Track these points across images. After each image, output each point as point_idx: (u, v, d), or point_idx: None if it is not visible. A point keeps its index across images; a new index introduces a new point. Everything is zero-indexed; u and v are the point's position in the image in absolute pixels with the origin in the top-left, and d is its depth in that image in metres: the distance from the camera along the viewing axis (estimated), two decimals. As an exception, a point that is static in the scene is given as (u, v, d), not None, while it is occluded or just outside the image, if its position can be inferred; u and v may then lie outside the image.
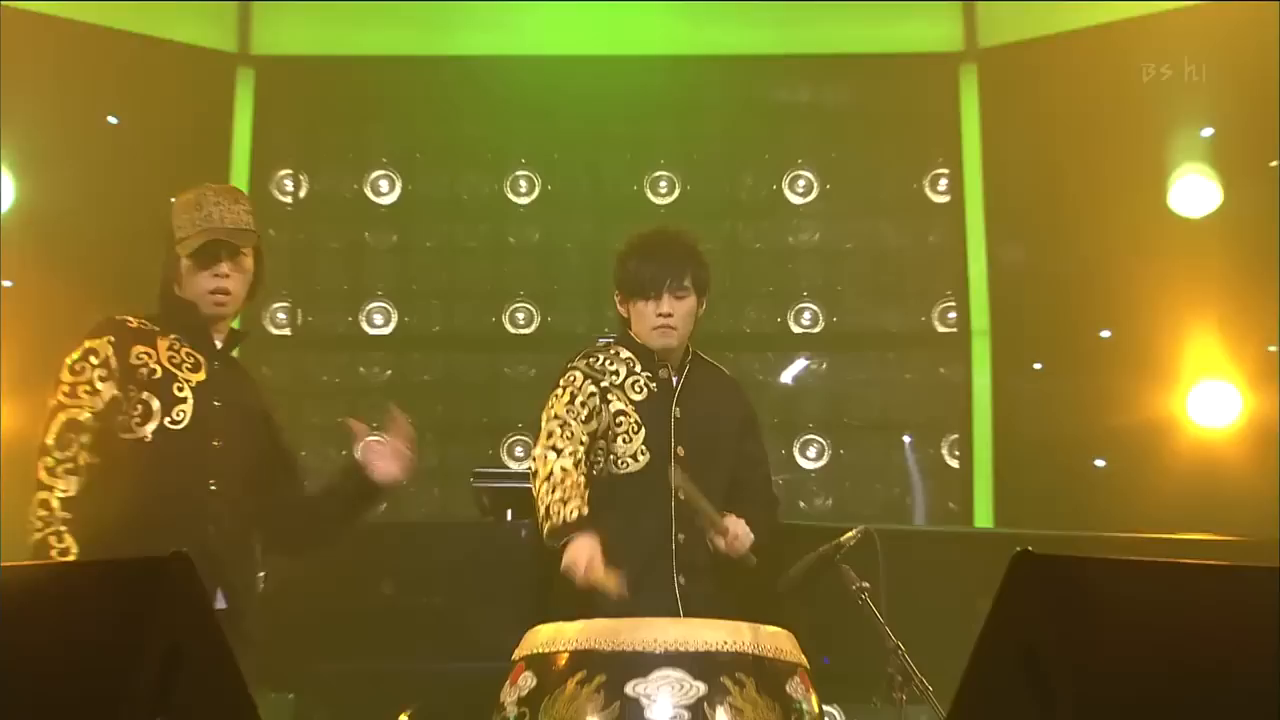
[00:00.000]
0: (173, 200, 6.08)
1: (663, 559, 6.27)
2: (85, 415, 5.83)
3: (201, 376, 5.98)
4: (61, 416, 5.78)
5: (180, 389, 5.93)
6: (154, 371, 5.95)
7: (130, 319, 6.01)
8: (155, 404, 5.92)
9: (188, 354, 5.98)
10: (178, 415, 5.90)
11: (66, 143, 9.92)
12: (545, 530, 6.07)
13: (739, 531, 6.20)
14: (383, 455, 6.10)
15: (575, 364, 6.46)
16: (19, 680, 3.08)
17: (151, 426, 5.86)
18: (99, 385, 5.83)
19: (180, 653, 3.13)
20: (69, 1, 10.18)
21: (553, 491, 6.05)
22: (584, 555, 5.85)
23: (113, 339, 5.90)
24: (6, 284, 9.66)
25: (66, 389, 5.81)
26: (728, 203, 10.43)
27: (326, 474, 6.52)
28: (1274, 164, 9.68)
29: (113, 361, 5.85)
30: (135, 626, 3.17)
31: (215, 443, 6.00)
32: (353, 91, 10.61)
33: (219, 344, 6.11)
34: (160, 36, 10.31)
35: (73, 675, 3.12)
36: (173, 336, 5.99)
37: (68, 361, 5.81)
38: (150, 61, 10.18)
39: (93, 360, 5.87)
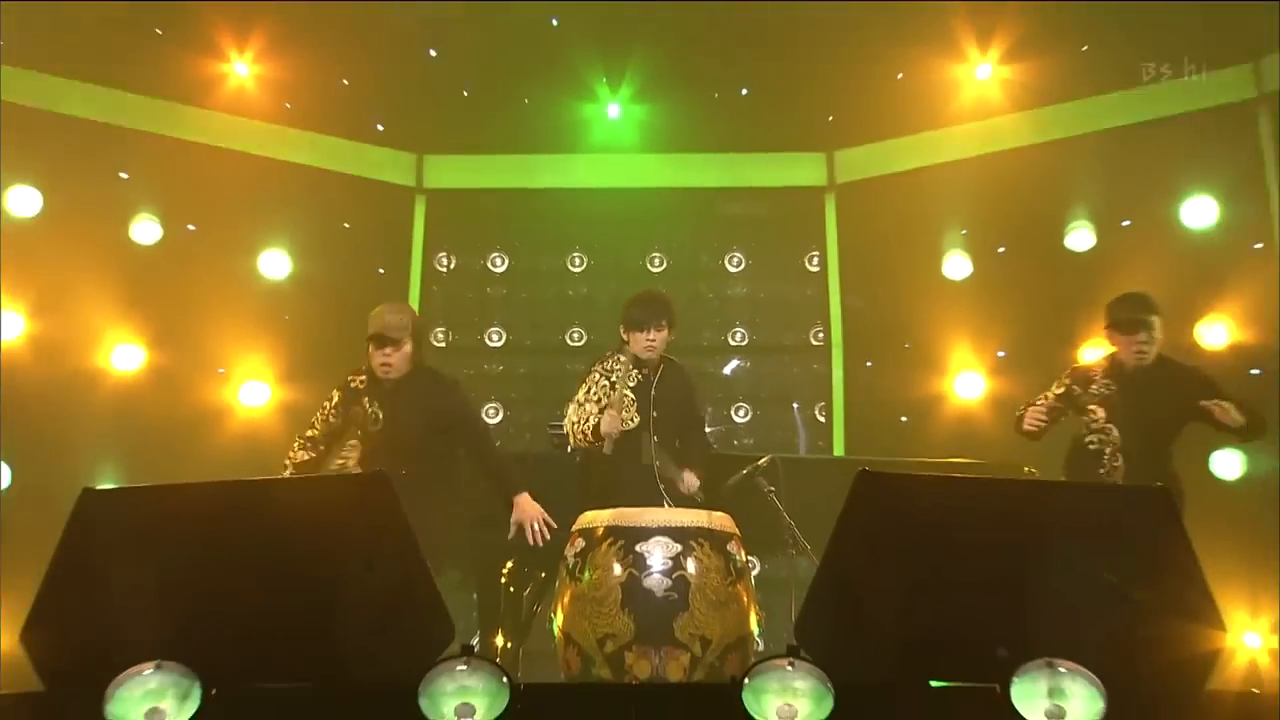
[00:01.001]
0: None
1: (649, 475, 6.95)
2: (318, 428, 6.86)
3: (378, 424, 6.80)
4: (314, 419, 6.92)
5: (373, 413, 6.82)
6: (361, 405, 6.84)
7: (352, 377, 6.95)
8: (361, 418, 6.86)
9: (368, 402, 6.83)
10: (372, 427, 6.80)
11: (315, 238, 10.40)
12: (571, 442, 7.08)
13: (690, 481, 7.01)
14: (526, 524, 6.77)
15: (595, 367, 7.15)
16: (266, 562, 3.86)
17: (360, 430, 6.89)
18: (330, 411, 6.88)
19: (375, 537, 4.01)
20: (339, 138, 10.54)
21: (575, 424, 6.96)
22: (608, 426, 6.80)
23: (340, 388, 6.94)
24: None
25: (318, 411, 6.93)
26: (693, 270, 10.89)
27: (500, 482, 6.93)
28: (1002, 250, 10.32)
29: (336, 397, 6.88)
30: (345, 519, 3.97)
31: (387, 454, 6.57)
32: (481, 207, 11.00)
33: (389, 388, 6.84)
34: (375, 178, 10.65)
35: (303, 558, 3.91)
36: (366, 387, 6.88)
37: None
38: (367, 190, 10.64)
39: (329, 400, 6.92)
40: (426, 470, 6.67)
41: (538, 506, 6.82)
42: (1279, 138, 9.35)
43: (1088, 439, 6.90)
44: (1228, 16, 9.06)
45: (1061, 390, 7.07)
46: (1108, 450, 6.81)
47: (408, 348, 6.86)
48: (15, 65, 9.32)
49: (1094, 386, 6.97)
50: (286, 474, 6.79)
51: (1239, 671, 8.11)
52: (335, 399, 6.92)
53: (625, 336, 7.14)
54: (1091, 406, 6.92)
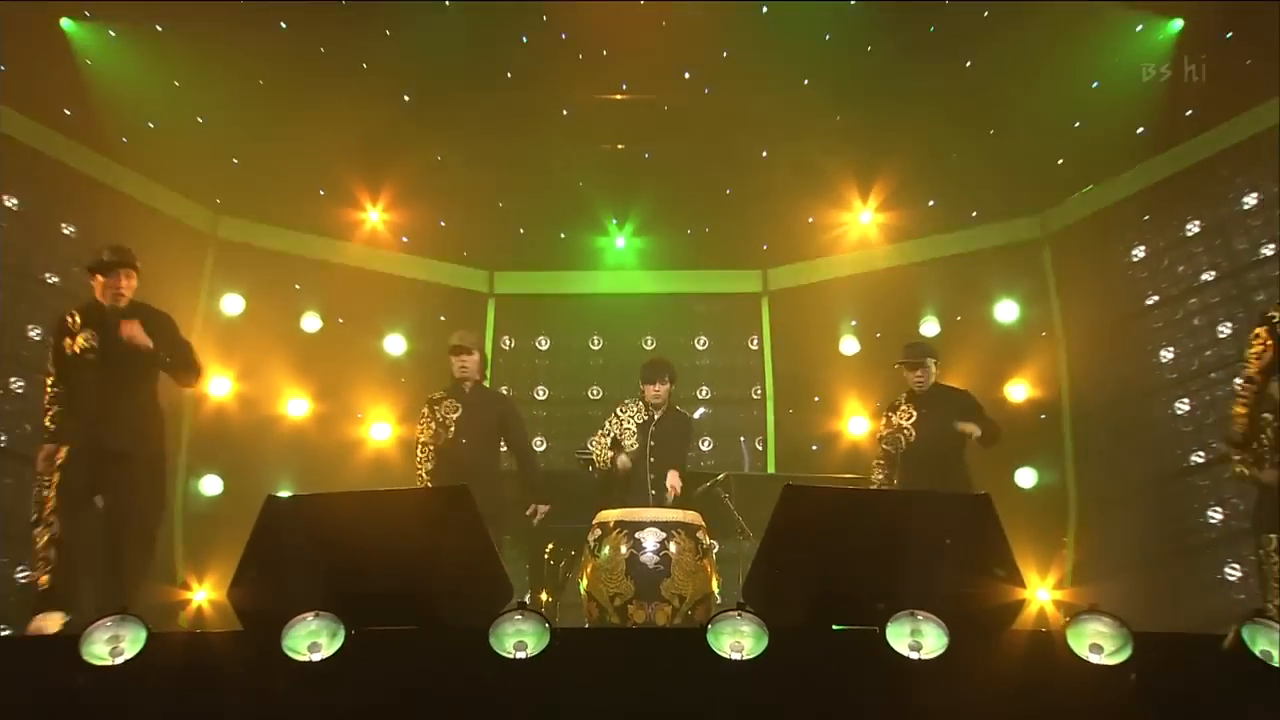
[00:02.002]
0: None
1: (645, 486, 6.80)
2: (425, 437, 6.74)
3: (458, 412, 6.73)
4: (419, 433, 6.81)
5: (448, 418, 6.72)
6: (440, 413, 6.73)
7: (431, 395, 6.88)
8: (435, 424, 6.71)
9: (450, 403, 6.74)
10: (450, 429, 6.65)
11: (422, 327, 10.19)
12: (595, 465, 6.93)
13: (673, 482, 6.74)
14: (538, 514, 6.84)
15: (615, 412, 7.04)
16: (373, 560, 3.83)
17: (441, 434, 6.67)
18: (421, 424, 6.80)
19: (458, 530, 4.03)
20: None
21: (598, 454, 6.88)
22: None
23: (426, 404, 6.84)
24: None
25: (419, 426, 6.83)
26: (673, 348, 10.34)
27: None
28: (878, 335, 10.00)
29: (425, 410, 6.78)
30: (439, 518, 4.06)
31: (463, 440, 6.64)
32: (532, 306, 10.81)
33: (467, 390, 6.81)
34: (461, 287, 10.66)
35: (411, 543, 3.92)
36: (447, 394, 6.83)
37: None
38: (456, 295, 10.61)
39: (422, 416, 6.80)
40: (490, 454, 6.79)
41: (546, 508, 6.96)
42: (1055, 263, 9.45)
43: (898, 436, 6.97)
44: (1021, 184, 9.30)
45: (883, 423, 7.18)
46: (903, 441, 6.91)
47: (479, 356, 6.88)
48: (229, 216, 9.61)
49: (900, 404, 7.07)
50: (421, 481, 6.69)
51: (1032, 616, 8.14)
52: (425, 412, 6.86)
53: (641, 388, 7.00)
54: (897, 419, 7.01)
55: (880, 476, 7.06)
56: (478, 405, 6.82)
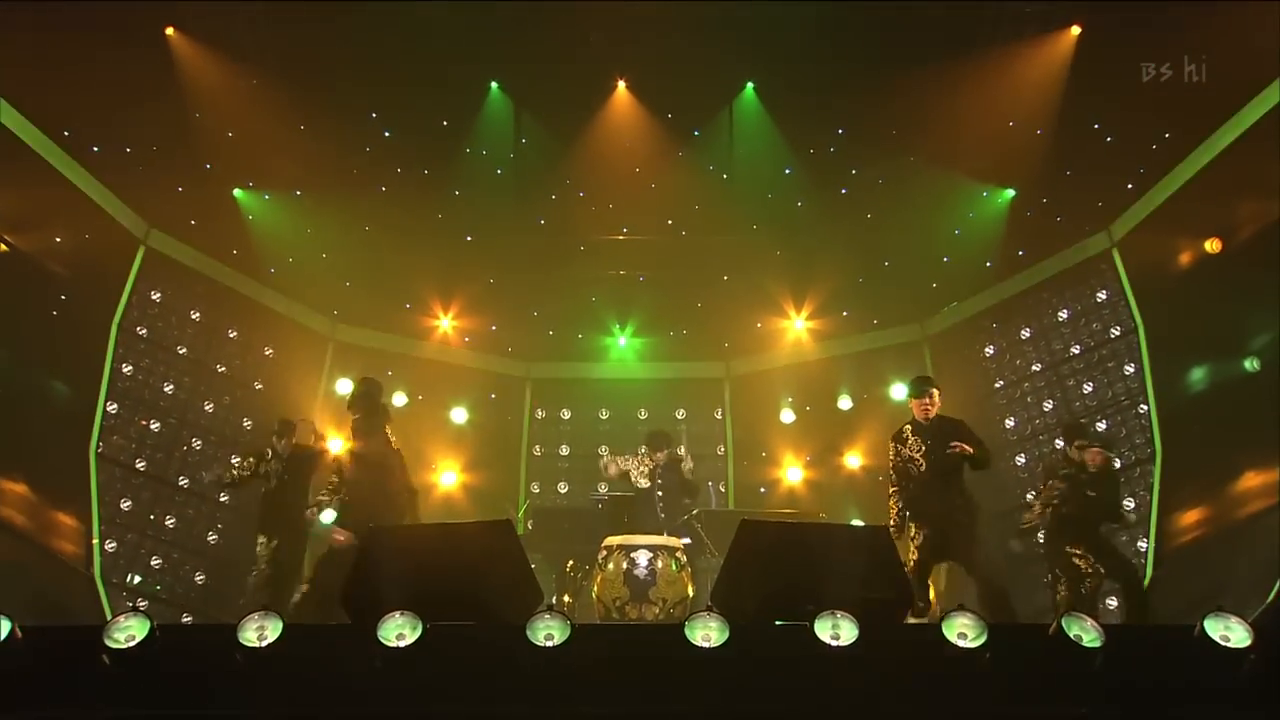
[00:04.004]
0: None
1: (654, 515, 6.61)
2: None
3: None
4: None
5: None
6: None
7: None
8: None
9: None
10: None
11: (478, 403, 9.96)
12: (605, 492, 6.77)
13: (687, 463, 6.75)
14: None
15: (637, 451, 6.95)
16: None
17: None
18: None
19: (502, 553, 3.97)
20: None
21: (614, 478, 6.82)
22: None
23: None
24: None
25: None
26: (660, 419, 9.81)
27: None
28: (808, 408, 9.80)
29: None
30: (489, 544, 3.96)
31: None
32: (558, 388, 10.37)
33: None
34: (506, 374, 10.22)
35: (470, 560, 3.84)
36: None
37: None
38: (503, 380, 10.20)
39: None
40: None
41: None
42: (932, 357, 9.42)
43: (908, 466, 5.73)
44: (909, 299, 9.37)
45: (893, 453, 5.84)
46: (914, 470, 5.72)
47: None
48: (344, 323, 9.60)
49: (907, 436, 5.79)
50: None
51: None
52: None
53: (650, 452, 6.88)
54: (907, 451, 5.78)
55: (895, 503, 5.80)
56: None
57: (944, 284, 9.04)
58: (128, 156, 7.27)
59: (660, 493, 6.76)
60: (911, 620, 4.21)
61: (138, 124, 7.07)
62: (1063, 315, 8.24)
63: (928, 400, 5.78)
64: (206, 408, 8.22)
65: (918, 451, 5.73)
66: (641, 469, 6.84)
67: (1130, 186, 7.33)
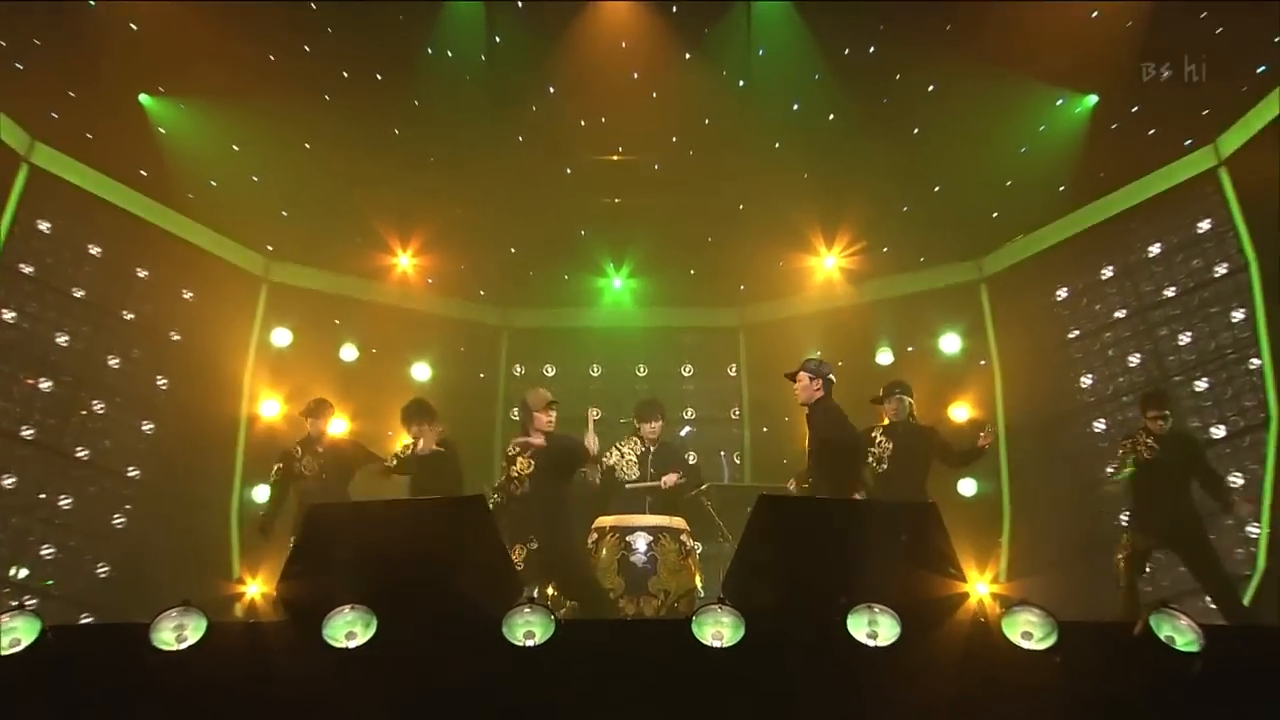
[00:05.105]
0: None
1: (644, 507, 6.51)
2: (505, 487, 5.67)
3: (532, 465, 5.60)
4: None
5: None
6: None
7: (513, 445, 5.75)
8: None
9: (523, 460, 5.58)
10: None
11: (444, 357, 10.01)
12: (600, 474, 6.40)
13: (669, 479, 6.57)
14: None
15: (614, 445, 6.84)
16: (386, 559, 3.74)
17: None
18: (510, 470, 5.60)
19: (474, 534, 3.95)
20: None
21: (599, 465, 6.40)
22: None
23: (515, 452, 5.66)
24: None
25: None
26: (663, 375, 10.37)
27: None
28: (840, 363, 10.75)
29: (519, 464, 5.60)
30: (457, 524, 3.97)
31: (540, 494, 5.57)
32: (541, 338, 10.53)
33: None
34: (479, 321, 10.39)
35: (435, 544, 3.85)
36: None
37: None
38: (474, 329, 10.34)
39: (507, 462, 5.66)
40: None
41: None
42: (991, 302, 9.40)
43: (874, 466, 6.56)
44: (962, 234, 9.27)
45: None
46: (881, 468, 6.54)
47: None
48: (279, 260, 9.54)
49: (876, 437, 6.66)
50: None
51: (972, 608, 7.97)
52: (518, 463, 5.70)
53: (637, 425, 6.94)
54: (877, 451, 6.65)
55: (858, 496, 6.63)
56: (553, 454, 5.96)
57: (1007, 213, 8.95)
58: (3, 52, 7.00)
59: (653, 479, 6.79)
60: None
61: (14, 12, 6.84)
62: (1154, 250, 8.11)
63: (893, 406, 6.67)
64: (111, 363, 8.00)
65: (885, 453, 6.49)
66: (629, 455, 6.86)
67: (1244, 90, 7.09)
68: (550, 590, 6.92)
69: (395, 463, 6.49)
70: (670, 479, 6.64)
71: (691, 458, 10.18)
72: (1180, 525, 5.96)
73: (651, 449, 6.87)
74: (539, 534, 5.54)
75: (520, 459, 5.64)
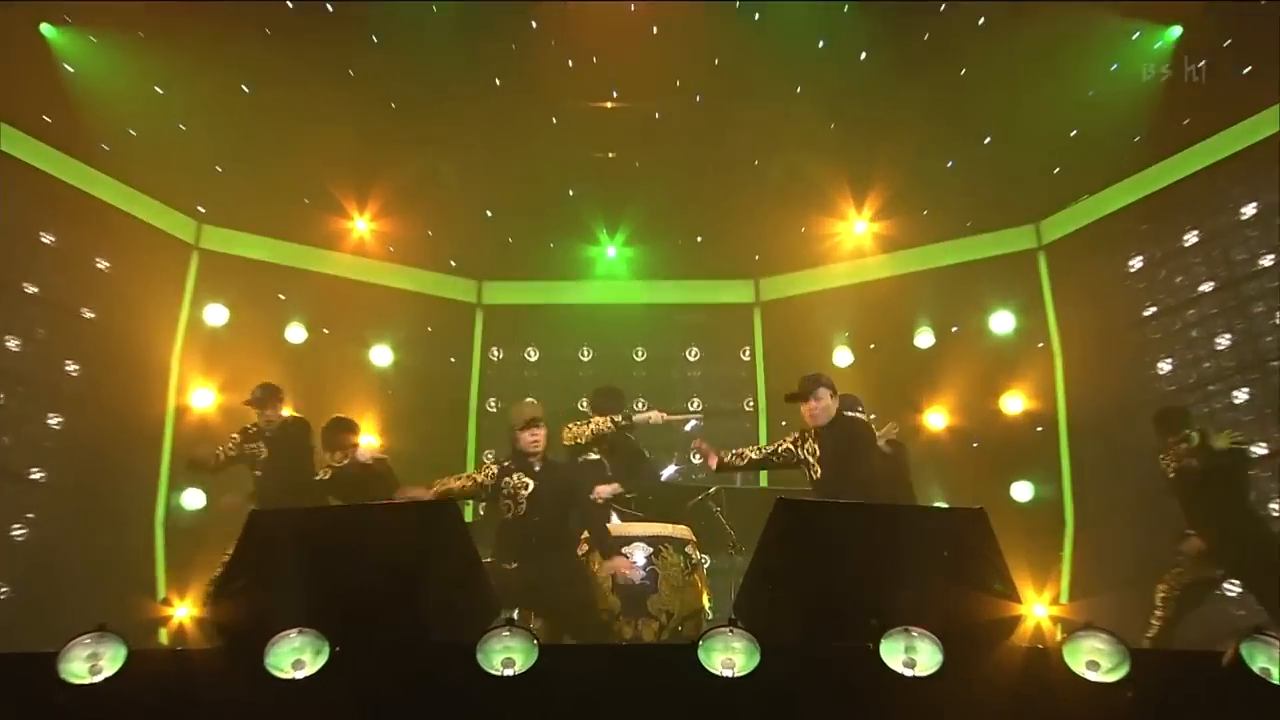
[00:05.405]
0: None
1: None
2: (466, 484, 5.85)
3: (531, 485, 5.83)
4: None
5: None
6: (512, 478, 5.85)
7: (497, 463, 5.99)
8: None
9: (520, 477, 5.80)
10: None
11: (408, 338, 10.13)
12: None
13: (605, 492, 6.64)
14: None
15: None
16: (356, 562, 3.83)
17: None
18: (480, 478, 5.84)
19: (445, 543, 3.97)
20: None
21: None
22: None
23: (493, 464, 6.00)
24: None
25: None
26: (665, 359, 10.58)
27: None
28: (873, 346, 10.13)
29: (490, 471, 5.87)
30: (427, 532, 3.99)
31: (535, 519, 5.77)
32: (521, 317, 10.69)
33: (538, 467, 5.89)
34: (449, 298, 10.54)
35: (398, 556, 3.89)
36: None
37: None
38: (444, 306, 10.50)
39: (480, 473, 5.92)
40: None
41: None
42: (1051, 274, 9.44)
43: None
44: (1017, 194, 9.28)
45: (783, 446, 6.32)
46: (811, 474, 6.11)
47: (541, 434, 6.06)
48: (212, 225, 9.56)
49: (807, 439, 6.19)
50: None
51: (1028, 632, 8.02)
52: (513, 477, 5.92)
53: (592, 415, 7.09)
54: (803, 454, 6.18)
55: None
56: (553, 479, 6.11)
57: (1071, 168, 8.91)
58: None
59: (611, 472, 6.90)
60: None
61: None
62: (1248, 211, 7.99)
63: (812, 406, 6.05)
64: (9, 345, 7.87)
65: (814, 457, 6.08)
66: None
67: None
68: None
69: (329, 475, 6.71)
70: (604, 490, 6.67)
71: (697, 456, 10.48)
72: (1243, 546, 6.05)
73: (610, 443, 6.92)
74: (530, 558, 5.63)
75: (517, 474, 5.85)
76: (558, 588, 5.56)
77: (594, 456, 6.88)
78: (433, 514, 4.16)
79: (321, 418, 8.54)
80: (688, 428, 9.38)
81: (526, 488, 5.86)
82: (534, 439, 5.90)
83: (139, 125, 8.53)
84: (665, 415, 7.18)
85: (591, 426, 6.87)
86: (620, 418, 6.87)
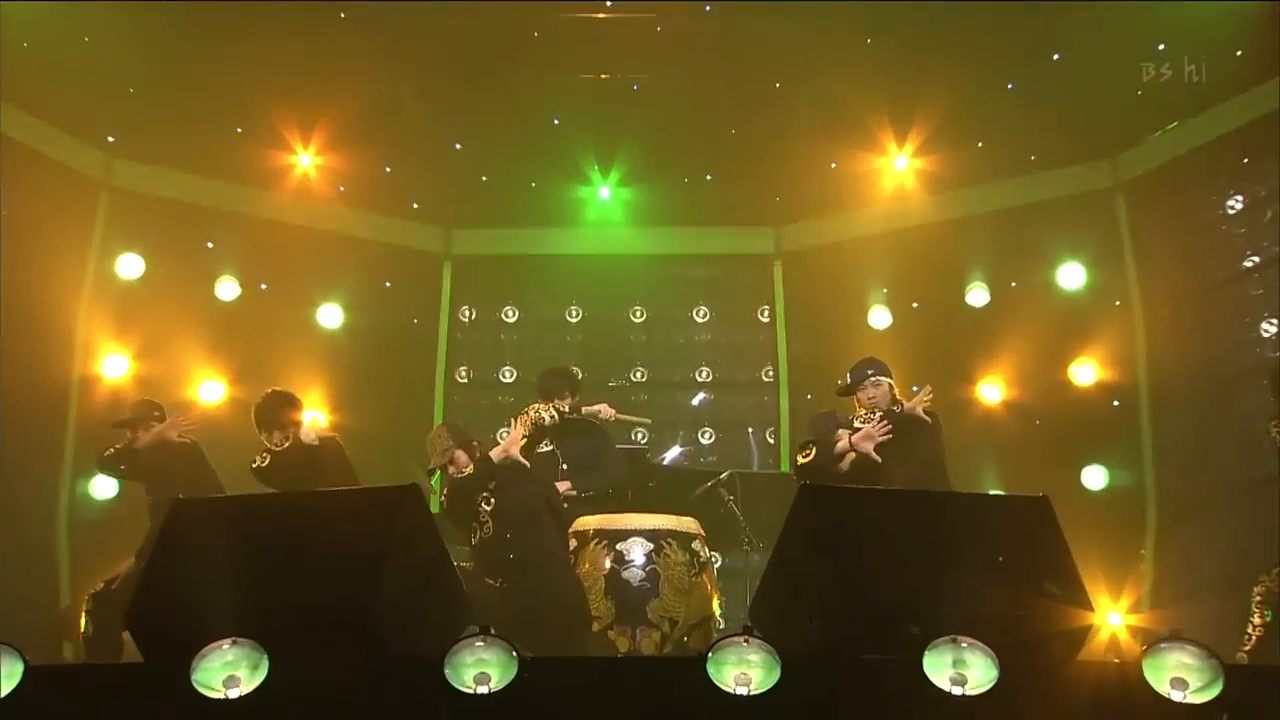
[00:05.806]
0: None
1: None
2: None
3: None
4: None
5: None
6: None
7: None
8: None
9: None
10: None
11: (363, 295, 10.29)
12: None
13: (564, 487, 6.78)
14: None
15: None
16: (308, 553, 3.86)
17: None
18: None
19: (408, 536, 4.02)
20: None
21: None
22: None
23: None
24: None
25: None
26: (667, 321, 10.77)
27: None
28: (915, 305, 10.18)
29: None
30: (386, 522, 3.97)
31: (508, 535, 6.16)
32: (497, 270, 10.85)
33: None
34: (411, 247, 10.68)
35: (350, 553, 3.89)
36: None
37: None
38: (405, 257, 10.65)
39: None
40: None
41: None
42: (1130, 218, 9.42)
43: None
44: (1090, 122, 9.20)
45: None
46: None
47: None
48: (124, 158, 9.49)
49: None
50: None
51: (1103, 644, 8.06)
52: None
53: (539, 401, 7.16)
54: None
55: None
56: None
57: (1153, 93, 8.74)
58: None
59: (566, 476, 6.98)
60: None
61: None
62: (1374, 141, 7.80)
63: (874, 395, 6.59)
64: None
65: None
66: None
67: None
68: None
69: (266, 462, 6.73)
70: (563, 485, 6.79)
71: (707, 434, 10.60)
72: None
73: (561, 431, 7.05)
74: (517, 582, 5.83)
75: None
76: (559, 614, 5.74)
77: (547, 448, 6.98)
78: (392, 501, 4.11)
79: (258, 390, 8.59)
80: (695, 401, 9.40)
81: (489, 503, 6.13)
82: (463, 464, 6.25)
83: (34, 37, 8.25)
84: (615, 412, 7.29)
85: (531, 414, 6.96)
86: (567, 406, 6.99)
